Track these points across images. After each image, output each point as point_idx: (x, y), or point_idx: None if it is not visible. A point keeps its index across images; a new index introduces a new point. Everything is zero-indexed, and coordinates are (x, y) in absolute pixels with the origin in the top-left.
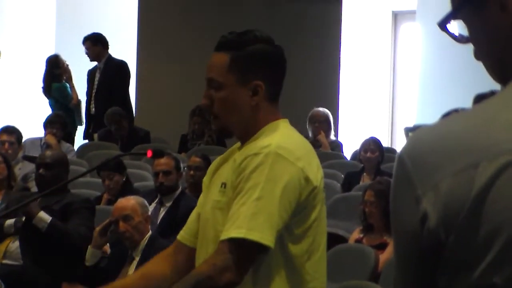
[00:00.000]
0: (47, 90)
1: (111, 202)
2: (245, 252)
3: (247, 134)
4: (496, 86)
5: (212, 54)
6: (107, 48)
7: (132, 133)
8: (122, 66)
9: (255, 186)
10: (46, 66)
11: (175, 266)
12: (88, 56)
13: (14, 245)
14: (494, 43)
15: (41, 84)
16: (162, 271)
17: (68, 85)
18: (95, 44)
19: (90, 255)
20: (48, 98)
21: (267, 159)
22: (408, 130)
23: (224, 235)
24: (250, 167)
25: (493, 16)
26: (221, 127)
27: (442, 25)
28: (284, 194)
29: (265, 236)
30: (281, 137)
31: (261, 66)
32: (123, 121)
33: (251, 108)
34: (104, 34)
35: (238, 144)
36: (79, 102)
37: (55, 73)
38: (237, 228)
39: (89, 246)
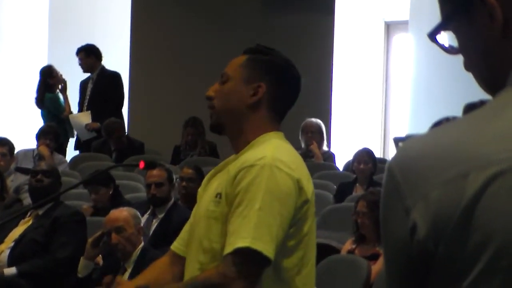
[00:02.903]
0: (40, 100)
1: (95, 214)
2: (251, 262)
3: (238, 134)
4: (487, 96)
5: None
6: (101, 59)
7: (127, 144)
8: (115, 77)
9: (254, 199)
10: (40, 76)
11: (173, 277)
12: (82, 67)
13: (4, 255)
14: (483, 53)
15: (34, 95)
16: (165, 278)
17: (61, 96)
18: (88, 55)
19: (83, 266)
20: (40, 108)
21: (263, 171)
22: (397, 140)
23: (230, 248)
24: (247, 179)
25: (482, 26)
26: (214, 120)
27: (432, 36)
28: (283, 206)
29: (268, 248)
30: (275, 148)
31: (270, 74)
32: (122, 131)
33: (247, 107)
34: (96, 45)
35: (233, 156)
36: (71, 113)
37: (49, 83)
38: (242, 239)
39: (81, 258)
